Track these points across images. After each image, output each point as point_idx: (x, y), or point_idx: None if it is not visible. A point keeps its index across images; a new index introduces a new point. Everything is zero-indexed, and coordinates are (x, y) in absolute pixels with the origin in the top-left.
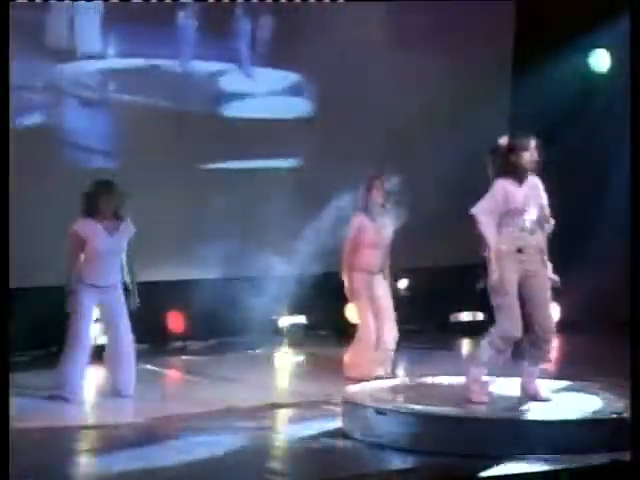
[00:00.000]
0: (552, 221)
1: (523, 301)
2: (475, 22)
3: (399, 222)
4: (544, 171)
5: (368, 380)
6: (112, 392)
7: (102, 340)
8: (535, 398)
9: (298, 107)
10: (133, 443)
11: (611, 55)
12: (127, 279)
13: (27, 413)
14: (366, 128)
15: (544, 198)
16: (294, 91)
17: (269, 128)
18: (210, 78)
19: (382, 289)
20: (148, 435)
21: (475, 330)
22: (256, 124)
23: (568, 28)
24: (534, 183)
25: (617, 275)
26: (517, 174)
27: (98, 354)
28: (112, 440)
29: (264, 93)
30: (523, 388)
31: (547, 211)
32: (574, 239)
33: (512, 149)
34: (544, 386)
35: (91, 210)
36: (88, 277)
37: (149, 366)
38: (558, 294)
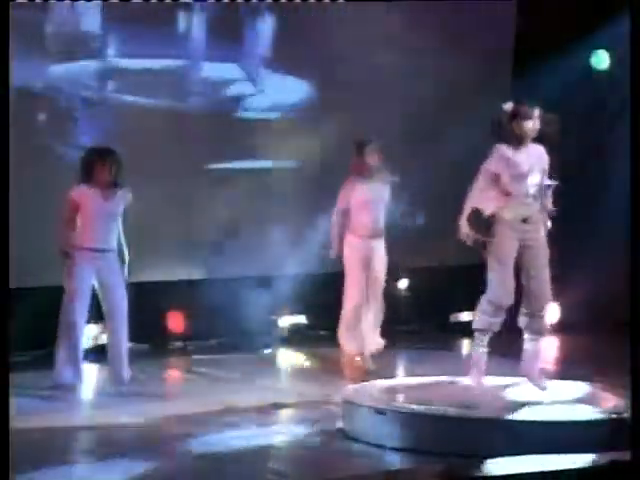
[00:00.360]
0: (555, 182)
1: (517, 269)
2: (475, 21)
3: (393, 180)
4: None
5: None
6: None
7: (100, 340)
8: (535, 382)
9: (300, 106)
10: (133, 443)
11: (611, 55)
12: (122, 248)
13: (27, 413)
14: (366, 128)
15: (547, 165)
16: (297, 91)
17: (270, 127)
18: (211, 78)
19: (380, 264)
20: (148, 435)
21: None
22: (258, 124)
23: (568, 28)
24: (538, 151)
25: (617, 275)
26: (518, 140)
27: (97, 354)
28: (112, 440)
29: (266, 93)
30: (524, 370)
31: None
32: (574, 239)
33: (515, 115)
34: (527, 384)
35: (87, 177)
36: (84, 241)
37: (149, 366)
38: (558, 294)
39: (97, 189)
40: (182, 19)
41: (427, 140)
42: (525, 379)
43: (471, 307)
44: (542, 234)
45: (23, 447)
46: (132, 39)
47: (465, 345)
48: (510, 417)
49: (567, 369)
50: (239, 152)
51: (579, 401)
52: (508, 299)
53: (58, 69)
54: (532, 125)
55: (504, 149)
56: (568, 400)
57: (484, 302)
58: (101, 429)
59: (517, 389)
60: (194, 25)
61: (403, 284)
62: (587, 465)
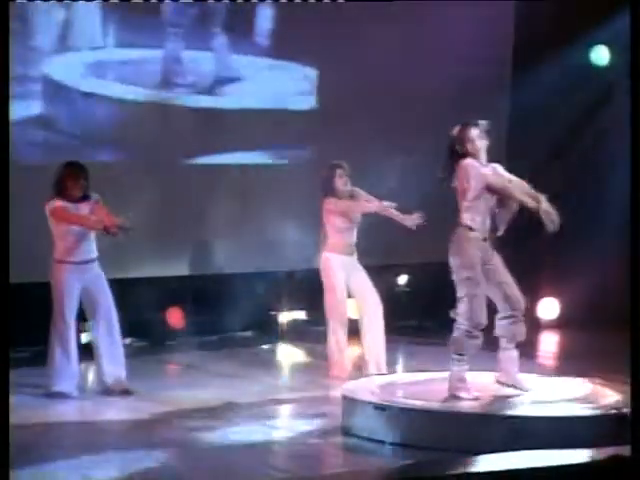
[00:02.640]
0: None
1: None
2: (474, 20)
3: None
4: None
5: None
6: (100, 383)
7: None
8: (520, 386)
9: (296, 99)
10: (133, 440)
11: (611, 51)
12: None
13: (27, 410)
14: (366, 128)
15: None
16: (292, 82)
17: (265, 122)
18: (203, 69)
19: (361, 276)
20: (148, 431)
21: None
22: (252, 118)
23: (568, 24)
24: (493, 167)
25: (617, 271)
26: (476, 158)
27: (89, 349)
28: (112, 437)
29: (260, 84)
30: (505, 378)
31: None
32: (574, 237)
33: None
34: (529, 379)
35: (59, 191)
36: (63, 255)
37: (148, 362)
38: (559, 291)
39: (69, 202)
40: (173, 9)
41: (426, 140)
42: (525, 375)
43: None
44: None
45: (22, 443)
46: (122, 30)
47: None
48: (510, 413)
49: (566, 365)
50: (237, 146)
51: (579, 397)
52: (486, 318)
53: (49, 60)
54: (480, 144)
55: (474, 162)
56: (568, 396)
57: (468, 327)
58: (101, 425)
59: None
60: (177, 14)
61: (403, 280)
62: (587, 460)
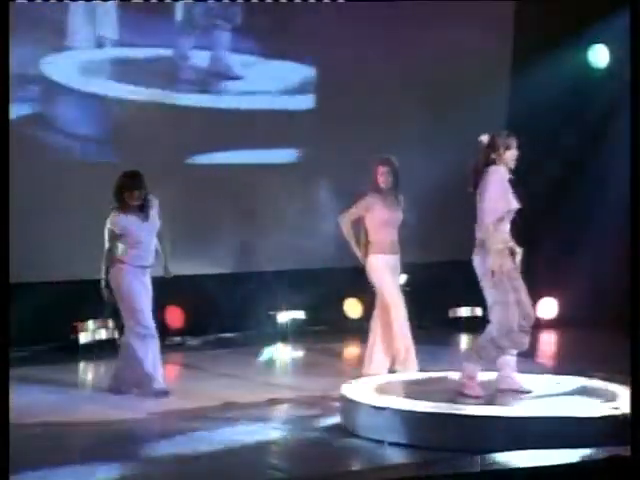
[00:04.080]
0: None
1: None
2: (474, 20)
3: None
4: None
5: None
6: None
7: (99, 336)
8: (519, 390)
9: (298, 98)
10: (132, 439)
11: (610, 51)
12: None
13: (26, 408)
14: (366, 127)
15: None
16: (294, 82)
17: (267, 120)
18: (204, 68)
19: (398, 277)
20: (147, 430)
21: (474, 325)
22: (255, 117)
23: (567, 24)
24: None
25: (615, 272)
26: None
27: (89, 349)
28: (111, 436)
29: (263, 84)
30: (502, 380)
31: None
32: (574, 236)
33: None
34: (526, 379)
35: (121, 205)
36: (134, 260)
37: None
38: (557, 291)
39: (132, 214)
40: (177, 10)
41: (425, 140)
42: (524, 375)
43: (470, 302)
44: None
45: (23, 442)
46: (124, 29)
47: (463, 340)
48: (509, 413)
49: (566, 364)
50: (237, 146)
51: (578, 396)
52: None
53: (49, 59)
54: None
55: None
56: (567, 395)
57: (501, 336)
58: (100, 424)
59: (514, 384)
60: (180, 13)
61: (402, 279)
62: (586, 460)
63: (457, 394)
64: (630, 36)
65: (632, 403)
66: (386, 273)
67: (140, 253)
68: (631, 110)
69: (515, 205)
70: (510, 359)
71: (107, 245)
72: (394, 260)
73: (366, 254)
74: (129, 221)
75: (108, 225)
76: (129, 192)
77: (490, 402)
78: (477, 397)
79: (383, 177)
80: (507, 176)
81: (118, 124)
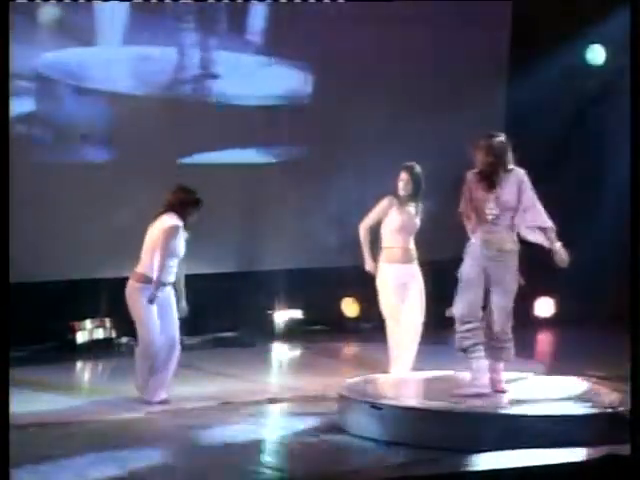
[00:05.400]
0: None
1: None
2: (473, 19)
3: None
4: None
5: None
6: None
7: (96, 335)
8: (498, 390)
9: (298, 97)
10: (131, 438)
11: (607, 50)
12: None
13: (23, 408)
14: (366, 126)
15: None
16: (294, 81)
17: (267, 120)
18: (207, 69)
19: (416, 285)
20: (145, 430)
21: None
22: (254, 116)
23: (565, 23)
24: None
25: (612, 271)
26: None
27: (86, 349)
28: (111, 435)
29: (263, 84)
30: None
31: None
32: (572, 236)
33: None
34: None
35: (183, 220)
36: (164, 276)
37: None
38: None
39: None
40: (173, 9)
41: (424, 140)
42: (522, 374)
43: None
44: None
45: (22, 441)
46: (122, 28)
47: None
48: (507, 412)
49: (564, 363)
50: (235, 144)
51: (575, 396)
52: None
53: (47, 57)
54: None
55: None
56: (565, 395)
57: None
58: (99, 423)
59: (513, 384)
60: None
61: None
62: (584, 459)
63: (459, 394)
64: (630, 36)
65: (632, 402)
66: (389, 285)
67: (170, 268)
68: (631, 110)
69: None
70: (497, 365)
71: (165, 261)
72: (406, 269)
73: (377, 260)
74: (181, 234)
75: (170, 240)
76: (194, 209)
77: (486, 401)
78: (475, 395)
79: (402, 183)
80: None
81: (116, 123)
